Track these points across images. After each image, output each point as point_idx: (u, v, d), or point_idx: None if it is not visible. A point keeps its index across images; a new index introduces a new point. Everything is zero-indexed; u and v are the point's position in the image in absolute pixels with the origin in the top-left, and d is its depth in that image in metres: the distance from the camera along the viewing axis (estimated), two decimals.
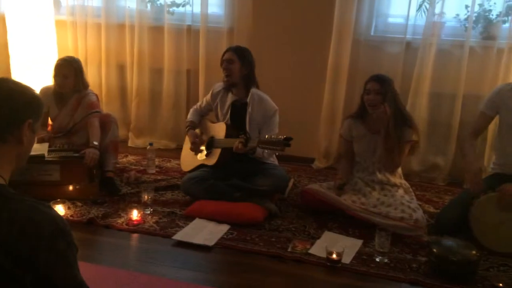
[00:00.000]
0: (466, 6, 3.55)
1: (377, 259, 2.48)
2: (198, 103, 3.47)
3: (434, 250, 2.38)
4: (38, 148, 3.04)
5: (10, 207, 1.14)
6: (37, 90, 3.32)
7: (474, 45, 3.58)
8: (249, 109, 3.13)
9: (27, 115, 1.26)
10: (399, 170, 3.07)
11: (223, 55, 3.17)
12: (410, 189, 3.08)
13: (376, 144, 3.00)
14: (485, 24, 3.60)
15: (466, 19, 3.58)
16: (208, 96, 3.36)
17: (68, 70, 3.22)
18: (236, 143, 2.90)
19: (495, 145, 3.00)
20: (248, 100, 3.14)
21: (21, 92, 1.27)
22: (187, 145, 3.46)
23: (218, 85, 3.30)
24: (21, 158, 1.31)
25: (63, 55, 3.60)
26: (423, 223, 2.73)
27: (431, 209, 3.18)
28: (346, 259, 2.45)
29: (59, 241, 1.16)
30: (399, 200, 2.85)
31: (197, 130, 3.37)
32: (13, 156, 1.27)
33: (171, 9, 4.19)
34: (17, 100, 1.24)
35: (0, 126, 1.22)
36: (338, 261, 2.41)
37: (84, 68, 3.44)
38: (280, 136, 2.72)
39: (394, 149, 2.89)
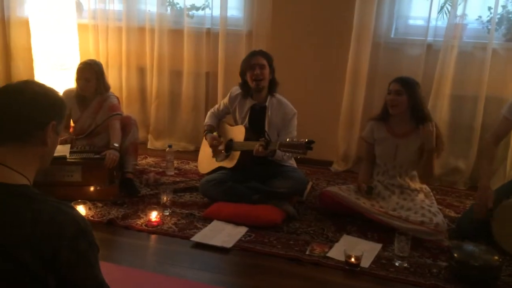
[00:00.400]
0: (489, 8, 3.50)
1: (397, 264, 2.45)
2: (216, 106, 3.48)
3: (455, 255, 2.35)
4: (60, 150, 3.08)
5: (33, 208, 1.15)
6: (60, 93, 3.42)
7: (497, 47, 3.52)
8: (268, 113, 3.14)
9: (51, 116, 1.28)
10: (414, 172, 3.04)
11: (250, 59, 3.13)
12: (431, 193, 3.04)
13: (398, 148, 2.97)
14: (509, 26, 3.54)
15: (488, 21, 3.52)
16: (226, 100, 3.37)
17: (90, 73, 3.27)
18: (256, 146, 2.90)
19: None
20: (267, 104, 3.15)
21: (45, 94, 1.29)
22: (204, 147, 3.48)
23: (236, 88, 3.31)
24: (45, 159, 1.33)
25: (85, 58, 3.67)
26: (444, 227, 2.69)
27: (452, 214, 3.13)
28: (365, 263, 2.42)
29: (81, 241, 1.17)
30: (419, 204, 2.81)
31: (215, 133, 3.38)
32: (37, 157, 1.29)
33: (190, 13, 4.22)
34: (42, 102, 1.27)
35: (24, 128, 1.25)
36: (356, 265, 2.39)
37: (105, 71, 3.48)
38: (302, 140, 2.72)
39: (432, 162, 2.87)
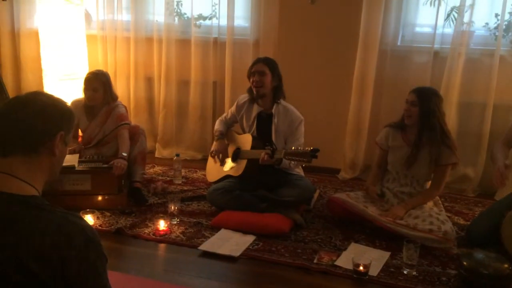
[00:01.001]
0: (496, 15, 3.49)
1: (405, 272, 2.43)
2: (224, 115, 3.50)
3: (464, 263, 2.33)
4: (69, 159, 3.11)
5: (42, 218, 1.16)
6: (69, 103, 3.45)
7: (505, 53, 3.51)
8: (274, 120, 3.14)
9: (59, 127, 1.29)
10: (429, 183, 3.01)
11: (252, 66, 3.18)
12: (439, 201, 3.03)
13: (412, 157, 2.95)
14: None
15: (496, 28, 3.51)
16: (233, 108, 3.39)
17: (97, 83, 3.30)
18: (262, 154, 2.91)
19: None
20: (273, 111, 3.16)
21: (54, 105, 1.30)
22: None
23: (243, 97, 3.33)
24: (54, 169, 1.33)
25: (94, 68, 3.71)
26: (452, 235, 2.67)
27: (461, 221, 3.11)
28: (373, 272, 2.41)
29: (90, 251, 1.18)
30: (427, 212, 2.80)
31: (225, 140, 3.39)
32: (46, 168, 1.29)
33: (198, 22, 4.25)
34: (50, 113, 1.28)
35: (33, 138, 1.26)
36: (365, 273, 2.38)
37: (113, 81, 3.51)
38: (306, 148, 2.73)
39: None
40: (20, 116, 1.26)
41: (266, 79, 3.11)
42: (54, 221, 1.17)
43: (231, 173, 3.24)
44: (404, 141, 2.99)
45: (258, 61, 3.19)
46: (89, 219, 2.86)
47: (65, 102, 1.36)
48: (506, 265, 2.29)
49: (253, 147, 3.13)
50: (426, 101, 2.85)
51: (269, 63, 3.15)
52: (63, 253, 1.14)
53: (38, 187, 1.27)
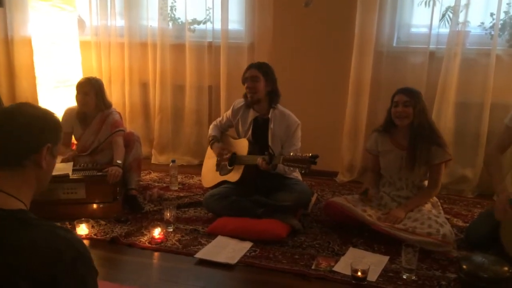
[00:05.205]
0: (491, 14, 3.47)
1: (404, 276, 2.40)
2: (218, 119, 3.47)
3: (464, 266, 2.30)
4: (63, 168, 3.09)
5: (30, 233, 1.14)
6: (62, 111, 3.43)
7: (501, 53, 3.49)
8: (271, 125, 3.11)
9: (46, 139, 1.27)
10: (425, 183, 2.99)
11: (245, 72, 3.15)
12: (438, 203, 3.00)
13: (403, 160, 2.92)
14: None
15: (491, 27, 3.49)
16: (229, 112, 3.36)
17: (88, 87, 3.28)
18: (259, 161, 2.88)
19: None
20: (269, 116, 3.13)
21: (40, 117, 1.28)
22: (208, 160, 3.46)
23: (239, 101, 3.30)
24: (42, 182, 1.31)
25: (88, 75, 3.68)
26: (451, 238, 2.64)
27: (460, 223, 3.08)
28: (372, 277, 2.38)
29: (79, 266, 1.16)
30: (426, 214, 2.77)
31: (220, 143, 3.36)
32: (33, 181, 1.27)
33: (192, 27, 4.23)
34: (36, 125, 1.26)
35: (20, 152, 1.24)
36: (363, 279, 2.35)
37: (108, 87, 3.49)
38: (306, 154, 2.69)
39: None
40: (6, 130, 1.23)
41: (259, 84, 3.09)
42: (42, 236, 1.14)
43: (228, 179, 3.21)
44: (393, 145, 2.97)
45: (250, 66, 3.16)
46: (84, 228, 2.83)
47: (52, 113, 1.33)
48: (506, 268, 2.27)
49: (249, 152, 3.10)
50: (417, 99, 2.83)
51: (262, 68, 3.12)
52: (53, 268, 1.11)
53: (25, 200, 1.25)
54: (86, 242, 2.78)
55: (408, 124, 2.86)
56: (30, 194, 1.28)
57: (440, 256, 2.60)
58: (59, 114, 3.43)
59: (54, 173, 2.91)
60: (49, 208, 2.96)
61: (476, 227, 2.79)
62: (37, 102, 4.26)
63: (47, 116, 1.30)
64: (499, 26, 3.44)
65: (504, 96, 3.52)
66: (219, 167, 3.29)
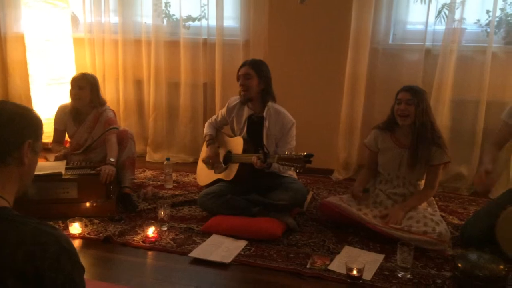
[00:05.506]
0: (487, 11, 3.46)
1: (400, 275, 2.39)
2: (213, 117, 3.44)
3: (459, 265, 2.29)
4: (56, 166, 3.06)
5: (14, 230, 1.13)
6: (55, 108, 3.40)
7: (497, 50, 3.48)
8: (265, 124, 3.09)
9: (26, 136, 1.26)
10: (422, 182, 2.98)
11: (239, 70, 3.13)
12: (433, 201, 2.99)
13: (402, 158, 2.91)
14: (508, 29, 3.50)
15: (487, 24, 3.48)
16: (224, 110, 3.33)
17: (84, 82, 3.25)
18: (254, 159, 2.86)
19: None
20: (264, 114, 3.10)
21: (20, 113, 1.27)
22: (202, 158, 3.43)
23: (234, 99, 3.27)
24: (24, 179, 1.30)
25: (81, 71, 3.64)
26: (447, 236, 2.63)
27: (456, 221, 3.08)
28: (367, 276, 2.37)
29: (64, 261, 1.14)
30: (421, 213, 2.76)
31: (216, 145, 3.33)
32: (15, 178, 1.27)
33: (186, 24, 4.20)
34: (17, 122, 1.25)
35: (1, 150, 1.22)
36: (359, 278, 2.33)
37: (102, 84, 3.46)
38: (300, 153, 2.67)
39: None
40: None
41: (252, 82, 3.06)
42: (27, 232, 1.13)
43: (223, 177, 3.18)
44: (394, 142, 2.95)
45: (244, 64, 3.13)
46: (77, 227, 2.80)
47: (32, 110, 1.33)
48: (501, 267, 2.26)
49: (244, 151, 3.07)
50: (421, 98, 2.81)
51: (255, 65, 3.09)
52: (38, 264, 1.10)
53: (9, 198, 1.24)
54: (79, 241, 2.76)
55: (410, 123, 2.84)
56: (13, 192, 1.27)
57: (436, 255, 2.59)
58: (53, 112, 3.45)
59: (47, 171, 2.93)
60: (42, 207, 2.94)
61: (471, 225, 2.78)
62: (30, 100, 4.23)
63: (27, 112, 1.30)
64: (495, 23, 3.42)
65: (500, 94, 3.51)
66: (214, 167, 3.26)
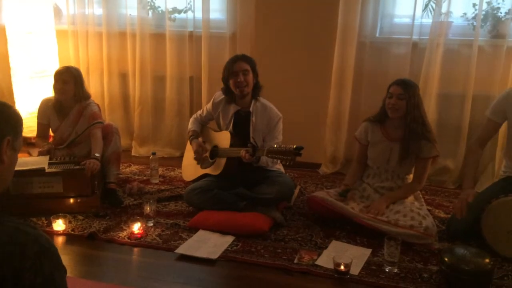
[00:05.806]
0: (474, 5, 3.45)
1: (387, 269, 2.39)
2: (199, 112, 3.39)
3: (446, 259, 2.29)
4: (39, 161, 3.00)
5: None
6: (38, 102, 3.33)
7: (483, 44, 3.48)
8: (252, 118, 3.06)
9: (5, 133, 1.21)
10: (410, 176, 2.98)
11: (232, 65, 3.02)
12: (420, 195, 3.00)
13: (392, 152, 2.91)
14: (494, 22, 3.50)
15: (474, 18, 3.48)
16: (209, 105, 3.29)
17: (68, 76, 3.19)
18: (243, 153, 2.83)
19: (505, 151, 2.90)
20: (251, 109, 3.07)
21: None
22: (188, 153, 3.39)
23: (219, 94, 3.22)
24: (3, 177, 1.26)
25: (64, 64, 3.57)
26: (433, 230, 2.64)
27: (442, 214, 3.09)
28: (355, 270, 2.37)
29: (44, 261, 1.11)
30: (408, 207, 2.76)
31: (200, 139, 3.30)
32: None
33: (172, 16, 4.13)
34: None
35: None
36: (346, 273, 2.33)
37: (86, 78, 3.40)
38: (290, 146, 2.64)
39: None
40: None
41: (250, 78, 3.02)
42: (5, 232, 1.09)
43: (210, 172, 3.15)
44: (384, 136, 2.95)
45: (237, 59, 3.05)
46: (60, 223, 2.75)
47: (11, 106, 1.28)
48: (487, 260, 2.26)
49: (231, 145, 3.04)
50: (412, 93, 2.80)
51: (249, 60, 3.05)
52: (16, 265, 1.06)
53: None
54: (62, 238, 2.72)
55: (401, 117, 2.83)
56: None
57: (422, 249, 2.60)
58: (36, 106, 3.38)
59: (30, 166, 2.87)
60: (24, 202, 2.88)
61: (457, 219, 2.78)
62: (12, 93, 4.15)
63: (5, 109, 1.26)
64: (481, 16, 3.42)
65: (485, 87, 3.51)
66: (201, 161, 3.23)
